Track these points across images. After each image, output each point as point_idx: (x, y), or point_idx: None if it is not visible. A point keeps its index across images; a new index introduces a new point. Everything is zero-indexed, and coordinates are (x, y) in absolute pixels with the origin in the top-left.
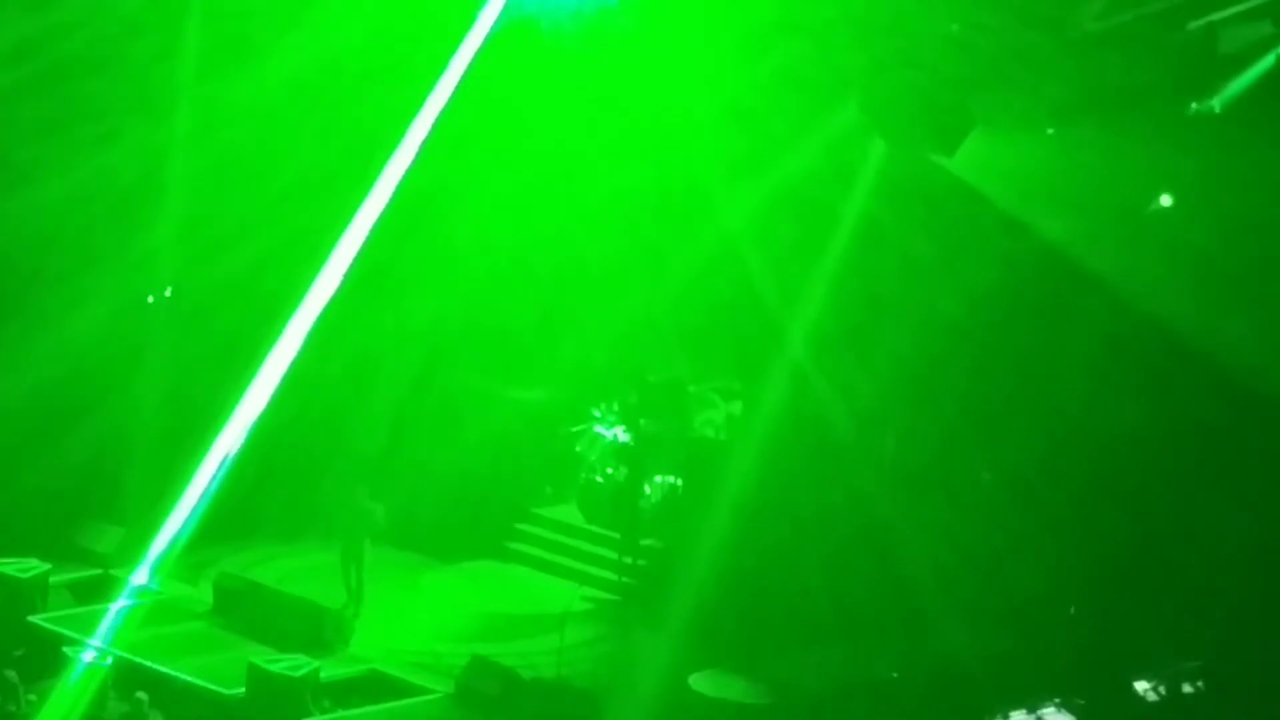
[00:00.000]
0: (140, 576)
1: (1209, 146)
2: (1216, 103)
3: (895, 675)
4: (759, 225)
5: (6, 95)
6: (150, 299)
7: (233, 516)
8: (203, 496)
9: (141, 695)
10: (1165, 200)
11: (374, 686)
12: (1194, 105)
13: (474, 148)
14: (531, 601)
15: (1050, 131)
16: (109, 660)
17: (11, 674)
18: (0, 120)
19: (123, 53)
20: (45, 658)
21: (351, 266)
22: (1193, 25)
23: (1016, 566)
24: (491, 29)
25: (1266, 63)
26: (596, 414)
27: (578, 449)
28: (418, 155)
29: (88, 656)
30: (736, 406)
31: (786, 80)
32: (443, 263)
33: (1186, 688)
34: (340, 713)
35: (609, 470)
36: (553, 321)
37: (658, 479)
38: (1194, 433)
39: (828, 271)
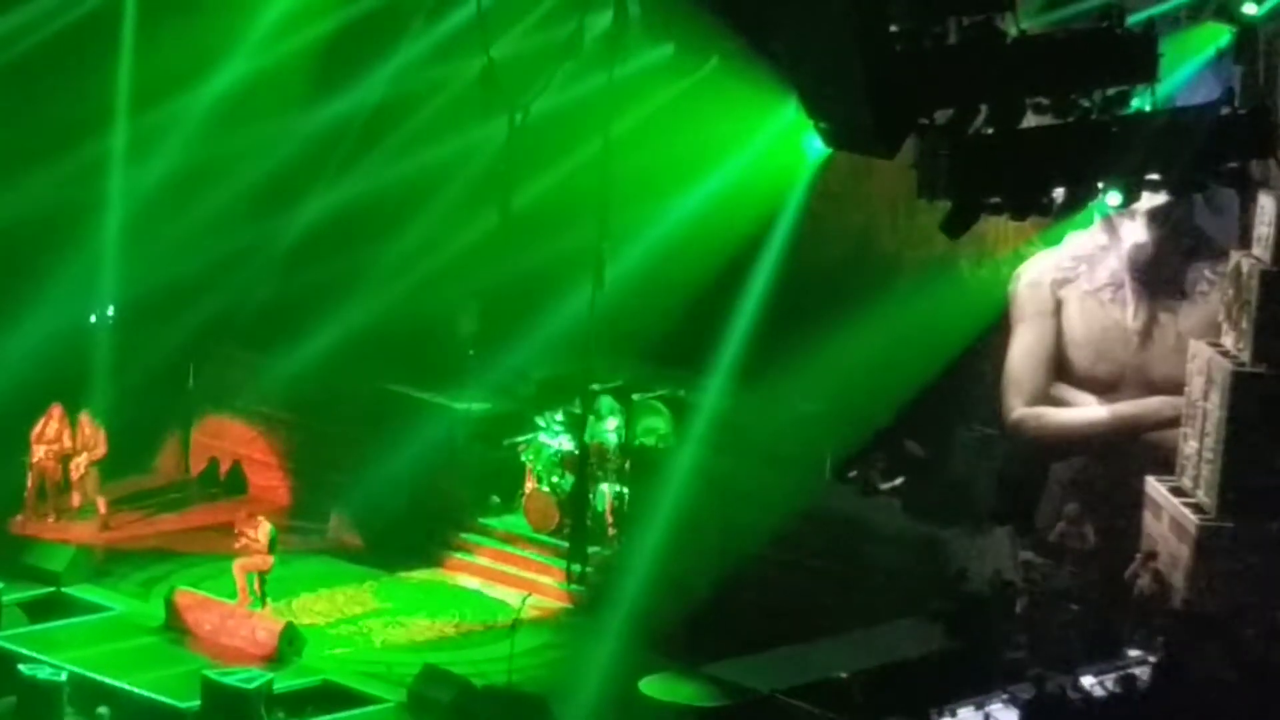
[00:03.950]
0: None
1: None
2: None
3: (843, 675)
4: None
5: None
6: (93, 319)
7: (180, 532)
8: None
9: (103, 710)
10: None
11: (327, 697)
12: None
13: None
14: (481, 611)
15: None
16: (64, 676)
17: None
18: None
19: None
20: (1, 675)
21: (288, 277)
22: None
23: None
24: None
25: None
26: (541, 423)
27: (523, 459)
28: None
29: (43, 674)
30: (680, 414)
31: None
32: (381, 276)
33: (1137, 681)
34: None
35: (554, 479)
36: (494, 332)
37: (604, 487)
38: None
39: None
